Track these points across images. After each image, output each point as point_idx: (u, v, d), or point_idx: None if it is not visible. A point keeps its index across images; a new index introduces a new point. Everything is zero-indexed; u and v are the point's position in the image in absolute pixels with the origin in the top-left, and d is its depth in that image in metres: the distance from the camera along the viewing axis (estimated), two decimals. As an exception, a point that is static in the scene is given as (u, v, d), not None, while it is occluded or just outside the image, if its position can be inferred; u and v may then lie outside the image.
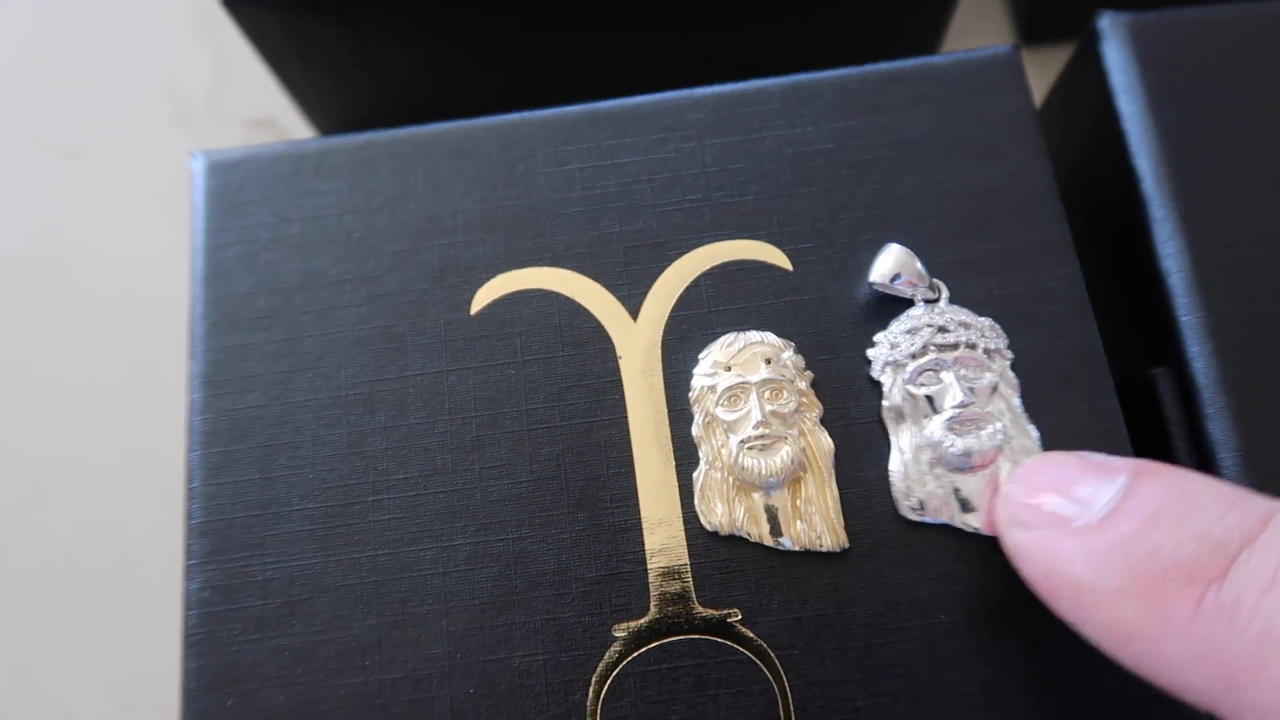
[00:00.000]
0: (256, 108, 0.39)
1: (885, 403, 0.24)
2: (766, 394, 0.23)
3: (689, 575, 0.23)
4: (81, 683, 0.33)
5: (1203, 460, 0.24)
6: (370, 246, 0.26)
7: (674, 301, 0.25)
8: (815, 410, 0.24)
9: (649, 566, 0.23)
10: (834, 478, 0.23)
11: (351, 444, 0.24)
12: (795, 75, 0.27)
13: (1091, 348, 0.24)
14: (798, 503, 0.23)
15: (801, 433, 0.23)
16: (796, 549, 0.23)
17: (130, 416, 0.35)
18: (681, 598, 0.23)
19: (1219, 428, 0.24)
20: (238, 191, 0.27)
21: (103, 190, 0.38)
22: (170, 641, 0.25)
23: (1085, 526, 0.18)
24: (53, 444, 0.36)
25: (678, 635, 0.22)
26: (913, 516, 0.23)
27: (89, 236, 0.38)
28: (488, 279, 0.25)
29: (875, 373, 0.24)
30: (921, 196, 0.26)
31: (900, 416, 0.23)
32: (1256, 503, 0.17)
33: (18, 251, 0.38)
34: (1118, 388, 0.24)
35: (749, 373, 0.24)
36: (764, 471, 0.23)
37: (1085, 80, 0.28)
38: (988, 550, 0.23)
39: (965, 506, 0.23)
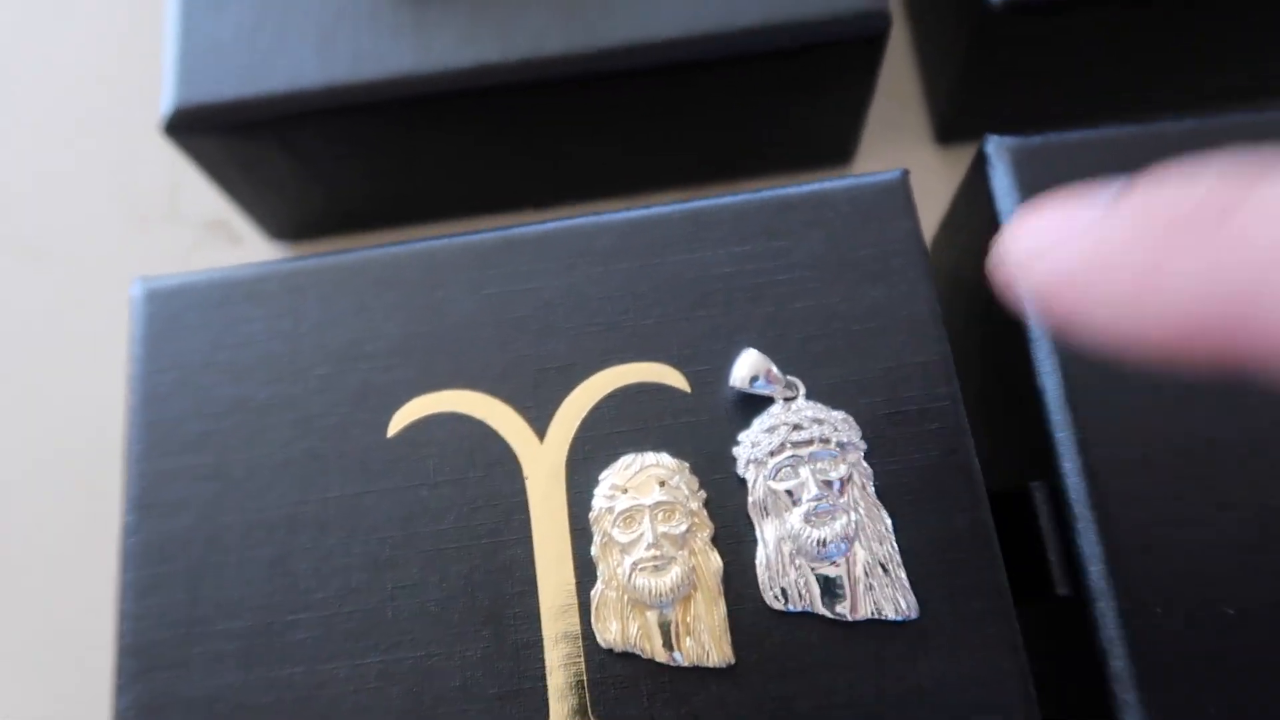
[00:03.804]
0: (210, 209, 0.41)
1: (750, 498, 0.25)
2: (660, 516, 0.25)
3: (586, 690, 0.24)
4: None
5: (1073, 572, 0.25)
6: (297, 371, 0.28)
7: (579, 423, 0.27)
8: (706, 530, 0.25)
9: (549, 683, 0.24)
10: (723, 596, 0.25)
11: (273, 564, 0.26)
12: (696, 201, 0.29)
13: (968, 465, 0.26)
14: (688, 619, 0.24)
15: (692, 552, 0.25)
16: (687, 664, 0.24)
17: (71, 528, 0.37)
18: (579, 712, 0.24)
19: (1088, 543, 0.25)
20: (174, 318, 0.28)
21: (58, 292, 0.40)
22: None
23: (1089, 221, 0.17)
24: None
25: (573, 750, 0.24)
26: (776, 606, 0.24)
27: (41, 339, 0.40)
28: (405, 402, 0.27)
29: (740, 470, 0.26)
30: (812, 319, 0.27)
31: (764, 511, 0.25)
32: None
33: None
34: (998, 499, 0.26)
35: (643, 495, 0.25)
36: (654, 591, 0.24)
37: (975, 200, 0.30)
38: (860, 656, 0.24)
39: (825, 593, 0.24)
